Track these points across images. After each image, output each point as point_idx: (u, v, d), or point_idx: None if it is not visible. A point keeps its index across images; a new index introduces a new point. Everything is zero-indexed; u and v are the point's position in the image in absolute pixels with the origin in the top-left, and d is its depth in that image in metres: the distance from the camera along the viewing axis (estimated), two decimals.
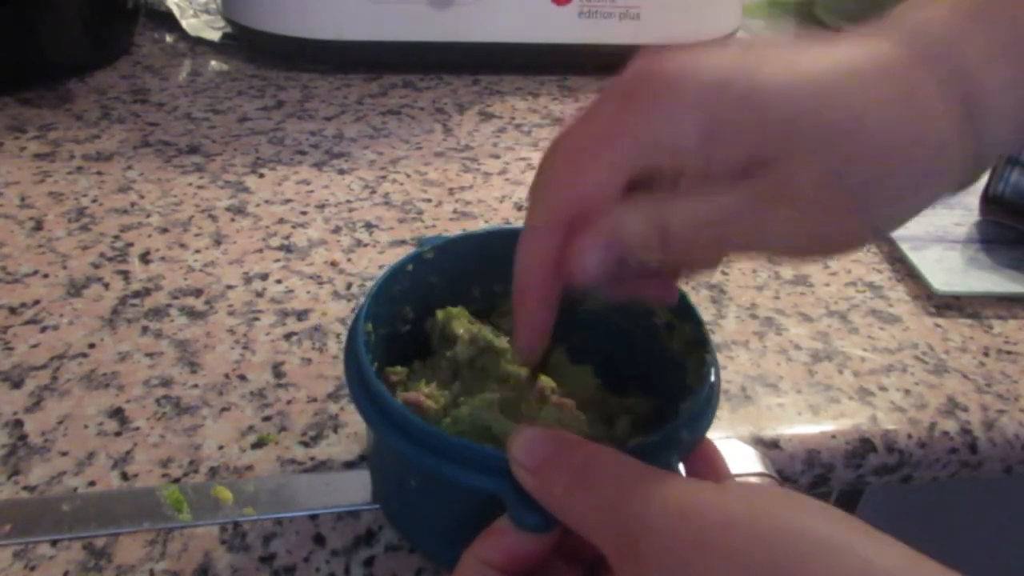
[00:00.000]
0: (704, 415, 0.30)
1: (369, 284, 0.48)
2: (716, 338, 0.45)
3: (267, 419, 0.38)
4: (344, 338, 0.43)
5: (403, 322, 0.36)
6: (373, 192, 0.57)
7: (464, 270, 0.37)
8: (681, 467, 0.31)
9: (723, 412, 0.41)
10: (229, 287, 0.47)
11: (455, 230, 0.53)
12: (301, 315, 0.45)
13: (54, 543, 0.32)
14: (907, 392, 0.43)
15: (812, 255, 0.30)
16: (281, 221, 0.53)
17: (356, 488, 0.35)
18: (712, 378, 0.30)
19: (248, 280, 0.47)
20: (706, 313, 0.47)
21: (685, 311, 0.33)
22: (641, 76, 0.26)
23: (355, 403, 0.30)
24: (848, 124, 0.24)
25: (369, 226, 0.53)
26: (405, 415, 0.28)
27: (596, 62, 0.76)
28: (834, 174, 0.24)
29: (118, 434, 0.37)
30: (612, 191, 0.26)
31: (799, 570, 0.19)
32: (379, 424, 0.29)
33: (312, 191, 0.56)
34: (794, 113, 0.24)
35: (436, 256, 0.36)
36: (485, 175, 0.59)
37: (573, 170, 0.27)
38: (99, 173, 0.57)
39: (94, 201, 0.54)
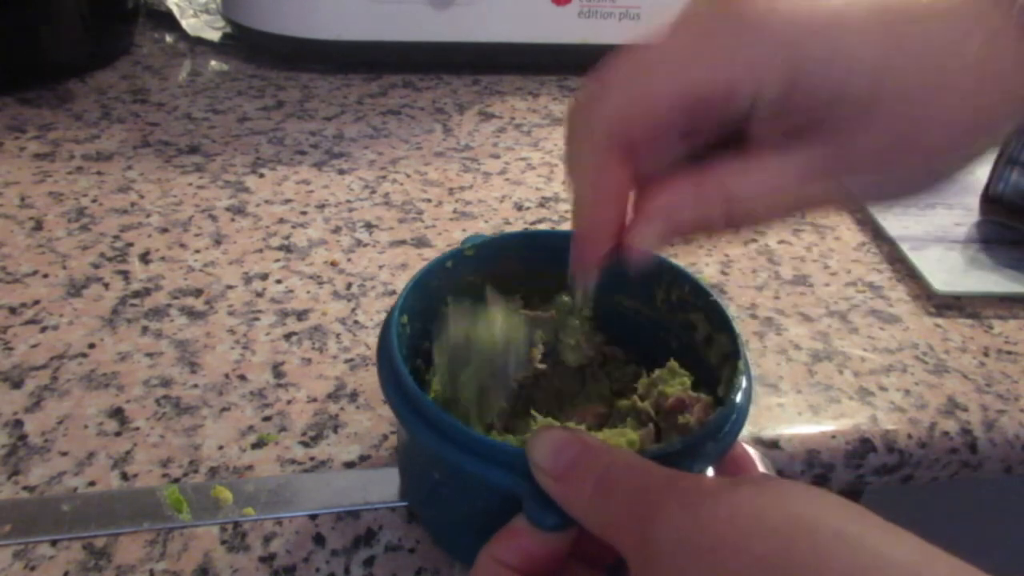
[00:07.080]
0: (729, 427, 0.29)
1: (369, 284, 0.48)
2: None
3: (267, 419, 0.38)
4: (343, 338, 0.43)
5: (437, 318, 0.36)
6: (373, 192, 0.57)
7: (504, 270, 0.36)
8: (711, 471, 0.31)
9: None
10: (229, 287, 0.47)
11: (455, 230, 0.53)
12: (301, 315, 0.45)
13: (54, 543, 0.32)
14: (907, 392, 0.43)
15: (881, 203, 0.29)
16: (281, 221, 0.53)
17: (356, 488, 0.35)
18: (739, 393, 0.30)
19: (248, 280, 0.47)
20: None
21: (722, 323, 0.33)
22: (718, 4, 0.24)
23: (384, 392, 0.29)
24: (927, 90, 0.23)
25: (369, 226, 0.53)
26: (430, 406, 0.28)
27: (596, 62, 0.76)
28: (905, 139, 0.24)
29: (118, 434, 0.37)
30: (674, 114, 0.24)
31: (812, 562, 0.19)
32: (405, 414, 0.29)
33: (312, 191, 0.56)
34: (879, 73, 0.23)
35: (476, 254, 0.35)
36: (485, 175, 0.59)
37: (640, 79, 0.24)
38: (99, 173, 0.57)
39: (94, 201, 0.54)
